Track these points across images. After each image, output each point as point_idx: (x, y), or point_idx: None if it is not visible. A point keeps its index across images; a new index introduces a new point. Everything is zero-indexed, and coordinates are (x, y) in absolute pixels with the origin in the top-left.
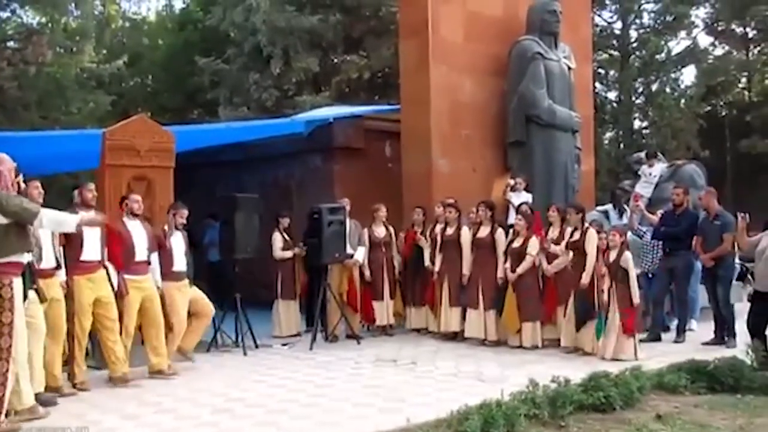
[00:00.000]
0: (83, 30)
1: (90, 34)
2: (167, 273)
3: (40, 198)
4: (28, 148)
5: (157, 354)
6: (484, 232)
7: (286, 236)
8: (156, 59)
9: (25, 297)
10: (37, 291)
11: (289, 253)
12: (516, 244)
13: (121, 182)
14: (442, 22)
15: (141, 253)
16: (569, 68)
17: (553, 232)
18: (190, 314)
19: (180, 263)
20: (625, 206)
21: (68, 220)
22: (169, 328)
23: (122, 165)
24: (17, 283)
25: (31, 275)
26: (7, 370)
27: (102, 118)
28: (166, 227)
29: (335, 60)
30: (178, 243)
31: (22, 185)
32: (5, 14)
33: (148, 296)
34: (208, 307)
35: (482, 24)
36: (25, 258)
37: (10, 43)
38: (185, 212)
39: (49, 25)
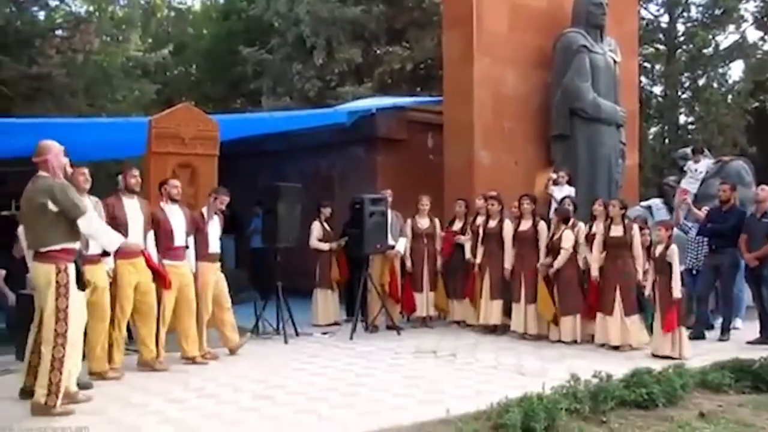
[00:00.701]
0: (129, 19)
1: (136, 23)
2: (203, 255)
3: (86, 185)
4: (76, 135)
5: (190, 341)
6: (525, 225)
7: (326, 226)
8: (200, 48)
9: (82, 284)
10: (79, 277)
11: (324, 245)
12: (554, 238)
13: (166, 169)
14: (486, 13)
15: (179, 238)
16: (615, 62)
17: (598, 227)
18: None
19: (215, 246)
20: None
21: (111, 239)
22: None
23: (167, 152)
24: (71, 269)
25: (80, 261)
26: (63, 356)
27: (147, 106)
28: (204, 210)
29: (378, 51)
30: (214, 227)
31: (69, 170)
32: (54, 3)
33: (185, 282)
34: (225, 299)
35: (527, 15)
36: (77, 245)
37: (59, 32)
38: (226, 198)
39: (97, 13)
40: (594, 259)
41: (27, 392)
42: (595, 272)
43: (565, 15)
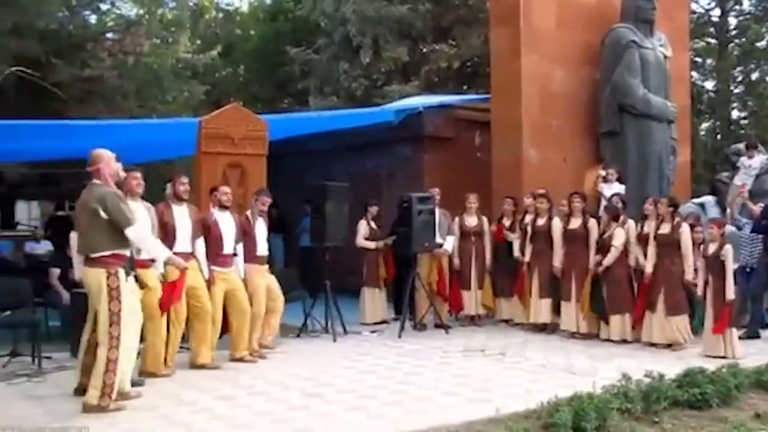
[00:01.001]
0: (179, 21)
1: (185, 25)
2: (251, 258)
3: (139, 189)
4: (127, 137)
5: (241, 342)
6: (575, 223)
7: (373, 225)
8: (248, 49)
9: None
10: (136, 278)
11: (371, 244)
12: (604, 236)
13: (216, 170)
14: (533, 9)
15: (228, 245)
16: (665, 57)
17: (649, 225)
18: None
19: (263, 248)
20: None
21: (158, 252)
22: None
23: (217, 153)
24: (122, 273)
25: (132, 265)
26: (117, 358)
27: (196, 107)
28: (249, 213)
29: (424, 49)
30: (261, 229)
31: (122, 174)
32: (105, 6)
33: (235, 287)
34: (279, 301)
35: (575, 11)
36: (128, 251)
37: (110, 35)
38: (268, 200)
39: (147, 16)
40: (648, 258)
41: (81, 391)
42: (649, 269)
43: (613, 10)
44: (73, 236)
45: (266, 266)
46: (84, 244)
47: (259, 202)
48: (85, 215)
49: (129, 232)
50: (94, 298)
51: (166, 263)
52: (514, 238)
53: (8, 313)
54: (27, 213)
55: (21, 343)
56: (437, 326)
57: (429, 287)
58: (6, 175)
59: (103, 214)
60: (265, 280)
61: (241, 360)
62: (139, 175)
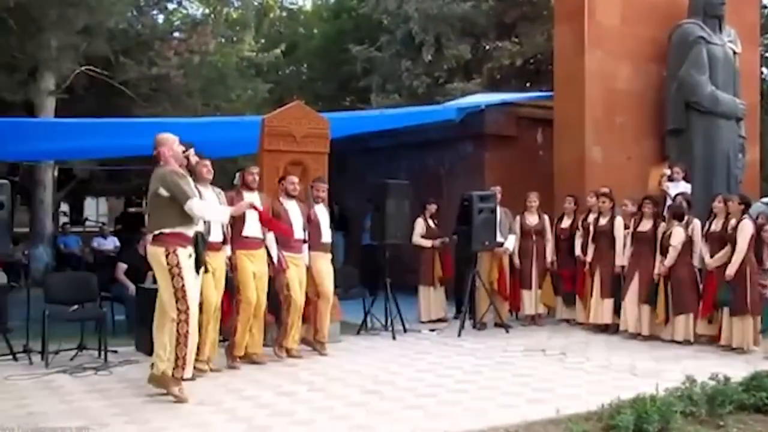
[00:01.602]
0: (243, 20)
1: (250, 24)
2: (316, 244)
3: (209, 176)
4: (192, 134)
5: (292, 334)
6: (646, 225)
7: (430, 223)
8: (311, 48)
9: (201, 267)
10: (197, 260)
11: (426, 242)
12: (666, 235)
13: (279, 167)
14: (598, 5)
15: (297, 231)
16: (734, 53)
17: (717, 224)
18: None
19: (326, 235)
20: None
21: (220, 211)
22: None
23: (279, 150)
24: (182, 252)
25: (204, 246)
26: (188, 331)
27: (259, 105)
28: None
29: (487, 47)
30: (322, 215)
31: (193, 159)
32: (172, 6)
33: (301, 275)
34: (329, 292)
35: (641, 7)
36: (191, 230)
37: (176, 34)
38: (324, 185)
39: (212, 15)
40: (717, 257)
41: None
42: (711, 266)
43: (681, 6)
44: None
45: (329, 254)
46: (149, 224)
47: (314, 189)
48: (149, 197)
49: (189, 204)
50: (158, 277)
51: (233, 217)
52: (578, 236)
53: (76, 307)
54: (95, 209)
55: (88, 336)
56: (497, 325)
57: (489, 286)
58: (75, 171)
59: (163, 191)
60: (329, 267)
61: (288, 352)
62: (208, 162)
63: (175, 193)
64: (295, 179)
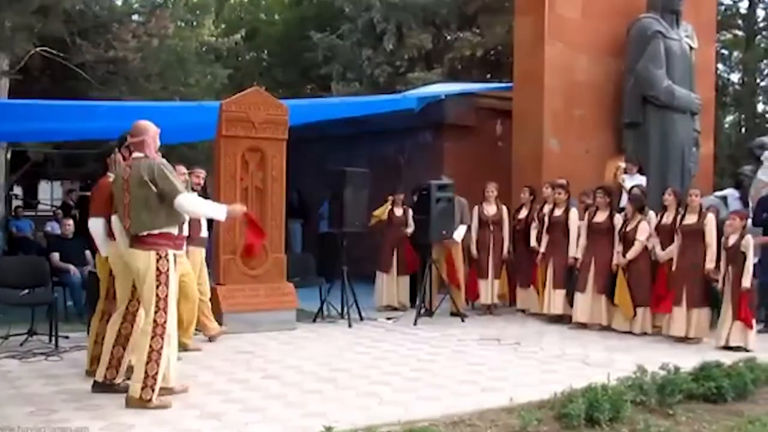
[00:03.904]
0: (204, 4)
1: (210, 8)
2: (195, 238)
3: (198, 187)
4: (150, 119)
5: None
6: (601, 217)
7: (399, 211)
8: (272, 34)
9: None
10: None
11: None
12: (628, 228)
13: (236, 153)
14: None
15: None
16: (691, 48)
17: (668, 217)
18: None
19: (205, 228)
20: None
21: (217, 209)
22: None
23: (237, 136)
24: (172, 255)
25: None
26: (162, 347)
27: (219, 90)
28: None
29: (448, 37)
30: None
31: (182, 170)
32: None
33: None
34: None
35: (602, 1)
36: (176, 230)
37: (135, 17)
38: (202, 172)
39: None
40: (669, 250)
41: (102, 384)
42: (664, 258)
43: (640, 1)
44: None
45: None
46: (131, 223)
47: (192, 176)
48: (131, 193)
49: (181, 199)
50: (138, 281)
51: (228, 217)
52: (533, 227)
53: (26, 291)
54: (49, 193)
55: (39, 322)
56: (453, 315)
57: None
58: (29, 154)
59: (153, 187)
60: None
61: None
62: (202, 173)
63: (168, 188)
64: (202, 172)
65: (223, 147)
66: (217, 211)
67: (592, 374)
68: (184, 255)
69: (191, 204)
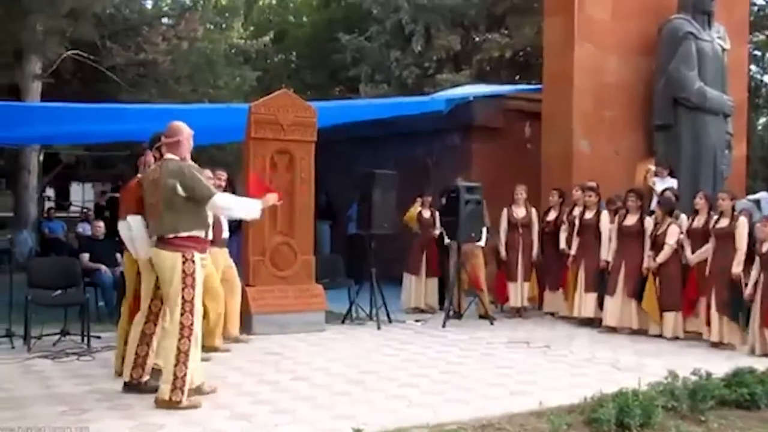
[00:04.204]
0: (233, 7)
1: (239, 11)
2: (217, 240)
3: (220, 190)
4: (180, 120)
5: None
6: (631, 220)
7: (427, 213)
8: (300, 36)
9: None
10: None
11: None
12: (658, 232)
13: (265, 155)
14: None
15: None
16: (723, 49)
17: (699, 221)
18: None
19: (226, 230)
20: None
21: (251, 206)
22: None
23: (266, 138)
24: (198, 258)
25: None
26: (189, 349)
27: (247, 93)
28: None
29: (477, 38)
30: None
31: (208, 174)
32: None
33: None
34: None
35: (631, 1)
36: (203, 233)
37: (165, 20)
38: (223, 173)
39: (201, 2)
40: (698, 254)
41: (130, 384)
42: (693, 263)
43: (671, 1)
44: (134, 220)
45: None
46: (158, 224)
47: (215, 177)
48: (158, 193)
49: (217, 199)
50: (163, 283)
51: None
52: (563, 229)
53: (59, 292)
54: (81, 194)
55: (71, 322)
56: (482, 317)
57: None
58: (61, 156)
59: (180, 190)
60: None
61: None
62: (224, 175)
63: (197, 190)
64: (224, 174)
65: (252, 149)
66: (253, 208)
67: (622, 379)
68: (208, 257)
69: (227, 204)
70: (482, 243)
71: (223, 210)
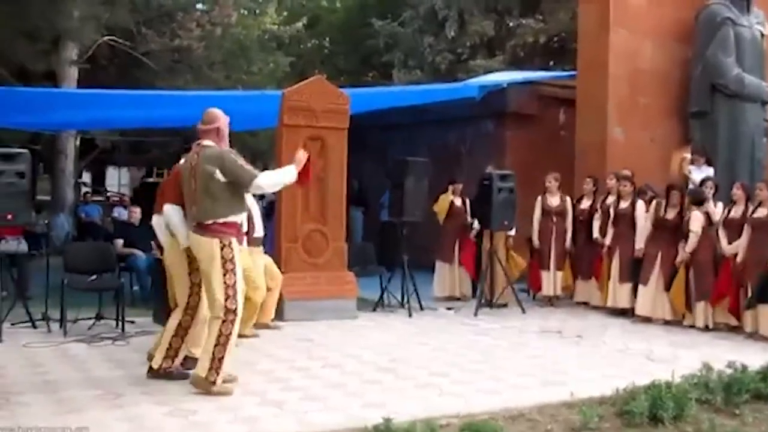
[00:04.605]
0: None
1: None
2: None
3: None
4: (214, 106)
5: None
6: (671, 213)
7: (458, 201)
8: (334, 21)
9: None
10: None
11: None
12: (686, 220)
13: (298, 142)
14: None
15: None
16: (762, 35)
17: (737, 211)
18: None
19: (259, 229)
20: None
21: (287, 173)
22: None
23: (299, 125)
24: (236, 243)
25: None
26: (231, 333)
27: (280, 78)
28: None
29: (511, 23)
30: (254, 206)
31: None
32: None
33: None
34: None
35: None
36: (241, 219)
37: (199, 6)
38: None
39: None
40: (735, 245)
41: (156, 371)
42: (728, 253)
43: None
44: (169, 208)
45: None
46: (197, 210)
47: None
48: (197, 180)
49: (259, 180)
50: (203, 269)
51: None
52: (596, 218)
53: (94, 277)
54: (117, 179)
55: (106, 306)
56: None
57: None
58: (97, 141)
59: (219, 176)
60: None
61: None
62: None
63: (239, 174)
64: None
65: (285, 136)
66: (289, 173)
67: (655, 370)
68: (245, 249)
69: (269, 180)
70: (512, 232)
71: (269, 186)
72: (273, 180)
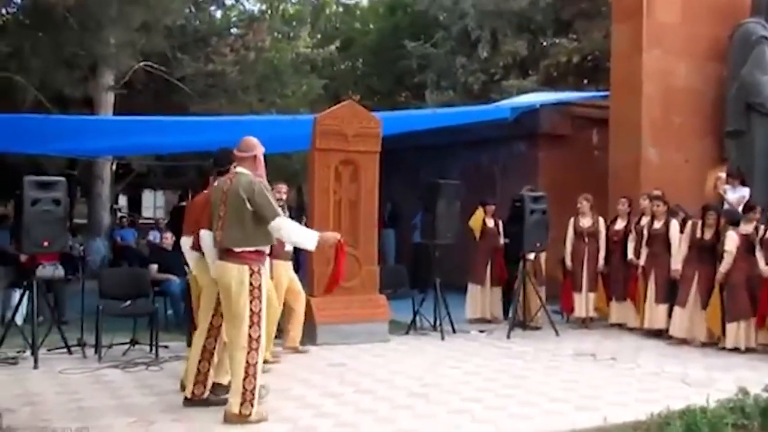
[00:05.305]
0: (300, 16)
1: (306, 19)
2: (279, 252)
3: (280, 202)
4: (247, 131)
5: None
6: (708, 234)
7: (491, 223)
8: (367, 43)
9: None
10: None
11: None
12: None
13: (330, 166)
14: (657, 4)
15: None
16: None
17: None
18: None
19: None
20: None
21: (308, 238)
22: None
23: (330, 149)
24: (264, 271)
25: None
26: (257, 362)
27: (314, 101)
28: None
29: (544, 43)
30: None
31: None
32: (230, 2)
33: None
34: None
35: (702, 5)
36: (268, 248)
37: (233, 30)
38: (283, 186)
39: (269, 11)
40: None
41: (191, 401)
42: (766, 274)
43: (743, 4)
44: (204, 234)
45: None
46: (224, 236)
47: (274, 191)
48: (228, 206)
49: (277, 222)
50: (229, 296)
51: (318, 247)
52: (631, 239)
53: (129, 302)
54: (152, 202)
55: (140, 331)
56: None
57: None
58: (132, 166)
59: (249, 205)
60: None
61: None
62: (284, 188)
63: (264, 207)
64: (284, 187)
65: (317, 159)
66: (309, 239)
67: (690, 394)
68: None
69: (285, 229)
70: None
71: (280, 234)
72: (293, 231)
